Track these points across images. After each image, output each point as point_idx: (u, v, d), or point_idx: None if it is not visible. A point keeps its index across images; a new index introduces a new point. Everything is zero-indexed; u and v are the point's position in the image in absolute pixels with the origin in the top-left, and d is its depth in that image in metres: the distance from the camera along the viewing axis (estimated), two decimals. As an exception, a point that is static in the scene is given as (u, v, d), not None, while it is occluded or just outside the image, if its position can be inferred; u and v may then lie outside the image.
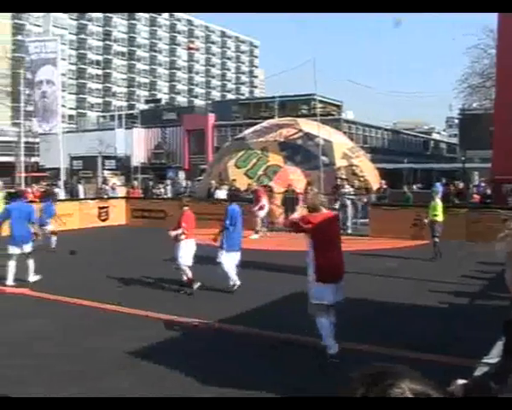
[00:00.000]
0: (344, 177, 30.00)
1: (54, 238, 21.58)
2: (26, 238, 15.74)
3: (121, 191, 40.40)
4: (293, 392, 7.35)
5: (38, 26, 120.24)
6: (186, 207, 15.46)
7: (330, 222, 9.43)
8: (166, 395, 7.26)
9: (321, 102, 61.74)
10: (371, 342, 9.68)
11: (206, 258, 14.98)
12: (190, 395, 7.29)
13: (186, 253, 14.79)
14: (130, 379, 8.24)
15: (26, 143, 60.94)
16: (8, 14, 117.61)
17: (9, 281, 15.40)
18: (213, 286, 14.41)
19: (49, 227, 21.74)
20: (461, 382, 2.50)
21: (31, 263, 15.83)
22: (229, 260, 14.55)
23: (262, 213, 26.41)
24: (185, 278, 14.83)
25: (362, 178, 32.31)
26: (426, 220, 20.37)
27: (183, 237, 14.78)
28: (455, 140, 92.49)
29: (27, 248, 15.75)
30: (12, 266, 15.55)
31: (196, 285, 14.62)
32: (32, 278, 15.76)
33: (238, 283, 14.46)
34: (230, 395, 7.25)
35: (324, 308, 9.07)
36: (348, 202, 27.26)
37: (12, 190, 27.47)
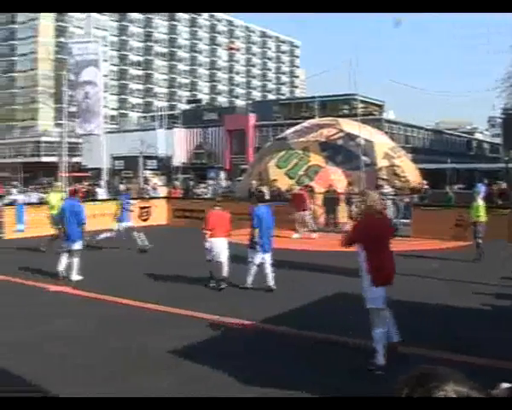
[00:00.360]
0: (385, 177, 29.88)
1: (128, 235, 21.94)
2: (75, 237, 16.18)
3: (162, 191, 40.61)
4: (335, 392, 7.35)
5: (80, 28, 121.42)
6: (217, 207, 15.79)
7: (379, 226, 9.27)
8: (207, 394, 7.29)
9: (362, 101, 61.51)
10: (408, 343, 9.62)
11: (246, 258, 15.05)
12: (232, 394, 7.32)
13: (207, 250, 15.23)
14: (170, 379, 8.29)
15: (69, 143, 61.55)
16: (51, 17, 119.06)
17: (60, 267, 16.04)
18: (256, 286, 14.46)
19: (127, 224, 22.08)
20: (506, 385, 2.50)
21: (75, 262, 16.17)
22: (257, 261, 14.69)
23: (307, 215, 26.19)
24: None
25: (403, 179, 32.15)
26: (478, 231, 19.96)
27: (206, 236, 15.24)
28: (498, 140, 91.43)
29: (75, 246, 16.17)
30: (64, 258, 16.22)
31: (212, 284, 15.04)
32: (75, 277, 16.06)
33: (249, 286, 14.60)
34: (272, 395, 7.27)
35: (380, 313, 8.94)
36: (389, 203, 27.07)
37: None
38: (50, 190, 24.31)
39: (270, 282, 14.55)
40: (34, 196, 39.15)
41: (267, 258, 14.73)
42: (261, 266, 14.73)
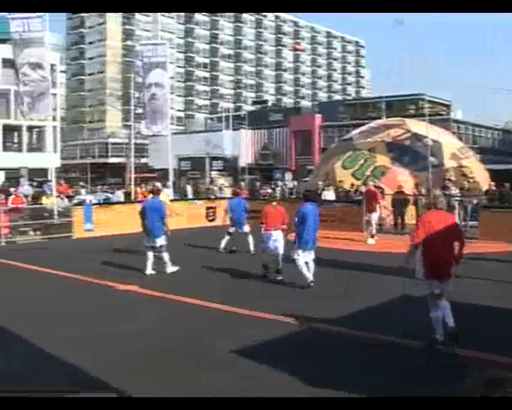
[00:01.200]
0: (453, 178, 29.43)
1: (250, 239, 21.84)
2: (158, 233, 16.75)
3: (229, 192, 40.80)
4: (392, 394, 7.27)
5: (147, 31, 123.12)
6: (274, 203, 17.29)
7: (439, 221, 9.80)
8: (260, 394, 7.25)
9: (429, 101, 60.89)
10: (471, 347, 9.51)
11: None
12: (284, 395, 7.25)
13: (265, 243, 16.31)
14: (226, 378, 8.35)
15: (136, 144, 62.44)
16: (119, 21, 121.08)
17: (148, 265, 16.84)
18: (322, 286, 14.40)
19: (246, 228, 22.13)
20: None
21: (165, 256, 16.83)
22: (302, 258, 14.71)
23: (375, 216, 25.46)
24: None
25: (471, 180, 31.66)
26: None
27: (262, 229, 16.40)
28: None
29: (159, 242, 16.75)
30: (150, 254, 16.95)
31: (272, 276, 15.91)
32: (170, 269, 16.77)
33: (311, 279, 14.60)
34: (323, 396, 7.20)
35: (433, 296, 9.73)
36: (456, 204, 26.56)
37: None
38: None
39: (310, 278, 14.66)
40: (117, 195, 39.86)
41: (309, 256, 14.86)
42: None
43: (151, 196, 18.54)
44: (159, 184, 24.74)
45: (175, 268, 16.81)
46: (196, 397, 6.62)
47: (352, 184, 31.66)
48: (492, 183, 31.03)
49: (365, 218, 25.22)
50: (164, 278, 16.20)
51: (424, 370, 8.56)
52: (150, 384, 7.98)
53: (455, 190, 27.29)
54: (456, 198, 26.81)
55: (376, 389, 7.55)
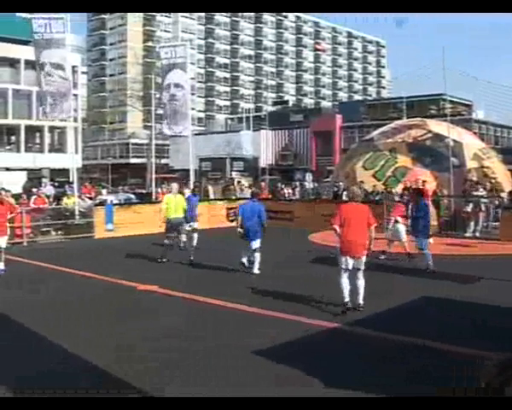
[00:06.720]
0: (474, 179, 29.21)
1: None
2: (257, 236, 16.95)
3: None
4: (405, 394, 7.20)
5: (168, 32, 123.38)
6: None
7: (353, 210, 12.34)
8: (273, 394, 7.18)
9: (450, 101, 60.54)
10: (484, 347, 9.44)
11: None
12: (298, 395, 7.21)
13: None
14: (242, 378, 8.34)
15: (157, 145, 62.55)
16: (140, 22, 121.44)
17: (244, 260, 17.17)
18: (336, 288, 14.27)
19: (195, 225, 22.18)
20: None
21: (257, 257, 16.90)
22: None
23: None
24: None
25: (493, 180, 31.39)
26: None
27: None
28: None
29: (254, 245, 16.91)
30: (256, 257, 17.04)
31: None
32: (256, 271, 16.76)
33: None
34: (333, 396, 7.14)
35: (345, 270, 12.13)
36: (482, 205, 26.27)
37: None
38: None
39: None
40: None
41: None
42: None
43: (251, 198, 18.29)
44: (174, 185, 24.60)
45: (259, 271, 16.77)
46: (212, 397, 6.63)
47: (361, 181, 31.17)
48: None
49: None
50: (184, 279, 16.19)
51: (427, 370, 8.47)
52: (169, 384, 7.97)
53: (482, 192, 27.05)
54: (483, 200, 26.57)
55: (382, 390, 7.48)
